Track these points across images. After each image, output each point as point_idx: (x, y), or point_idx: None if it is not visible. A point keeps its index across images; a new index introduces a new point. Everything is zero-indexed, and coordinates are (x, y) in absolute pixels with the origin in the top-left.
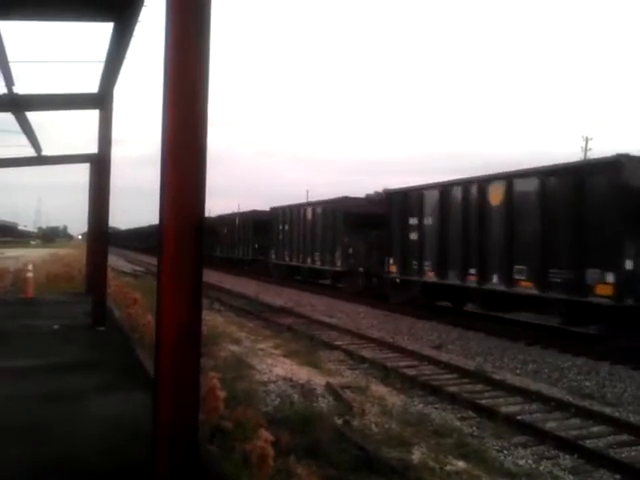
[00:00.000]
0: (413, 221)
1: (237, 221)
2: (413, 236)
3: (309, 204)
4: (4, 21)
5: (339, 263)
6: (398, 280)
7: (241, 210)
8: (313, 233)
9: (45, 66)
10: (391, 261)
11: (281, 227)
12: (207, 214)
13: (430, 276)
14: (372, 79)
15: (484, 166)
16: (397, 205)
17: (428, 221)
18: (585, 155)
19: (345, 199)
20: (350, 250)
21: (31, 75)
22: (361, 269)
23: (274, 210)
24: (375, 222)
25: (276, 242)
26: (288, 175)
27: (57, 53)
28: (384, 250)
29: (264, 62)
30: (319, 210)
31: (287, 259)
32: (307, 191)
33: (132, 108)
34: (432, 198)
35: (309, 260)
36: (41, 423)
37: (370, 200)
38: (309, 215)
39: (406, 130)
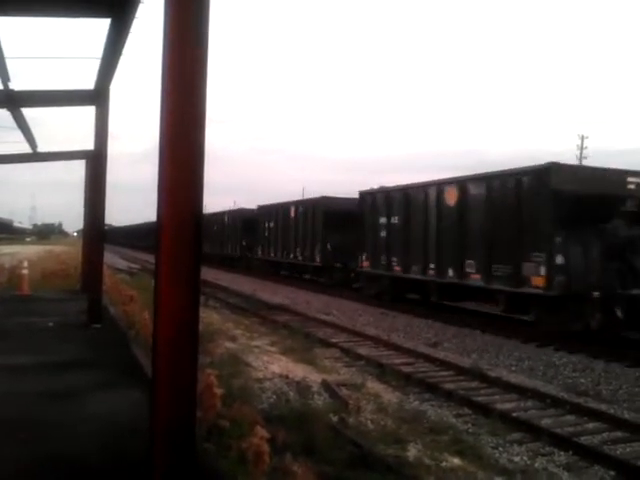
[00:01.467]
0: None
1: (293, 212)
2: None
3: (448, 181)
4: (0, 17)
5: (538, 282)
6: None
7: (303, 197)
8: (461, 228)
9: (41, 62)
10: None
11: (383, 220)
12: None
13: None
14: (368, 77)
15: (480, 164)
16: None
17: None
18: (581, 154)
19: (553, 165)
20: (561, 258)
21: (27, 71)
22: (596, 294)
23: (365, 196)
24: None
25: (371, 242)
26: (282, 173)
27: (53, 49)
28: None
29: (262, 60)
30: (475, 189)
31: (396, 268)
32: (303, 188)
33: (127, 104)
34: None
35: (451, 272)
36: (38, 421)
37: (605, 170)
38: (450, 200)
39: (401, 128)
